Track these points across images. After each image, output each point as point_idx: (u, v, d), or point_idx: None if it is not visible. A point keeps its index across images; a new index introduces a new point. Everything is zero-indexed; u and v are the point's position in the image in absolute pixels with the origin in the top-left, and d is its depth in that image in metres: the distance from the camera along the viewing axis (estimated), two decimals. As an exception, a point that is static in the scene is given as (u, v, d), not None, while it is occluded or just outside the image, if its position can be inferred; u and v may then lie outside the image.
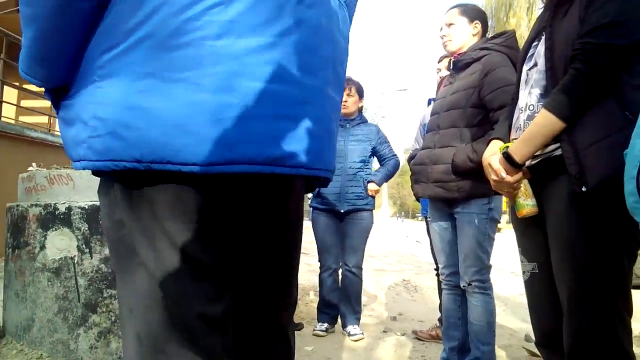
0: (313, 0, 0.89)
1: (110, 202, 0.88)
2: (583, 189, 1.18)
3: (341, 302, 3.29)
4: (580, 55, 1.24)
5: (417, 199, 3.20)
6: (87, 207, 2.37)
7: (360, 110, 3.43)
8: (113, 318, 2.30)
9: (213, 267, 0.86)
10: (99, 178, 0.91)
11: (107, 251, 2.36)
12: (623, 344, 1.20)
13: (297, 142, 0.86)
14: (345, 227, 3.28)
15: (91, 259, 2.34)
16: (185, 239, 0.82)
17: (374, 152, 3.36)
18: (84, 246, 2.35)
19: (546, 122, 1.27)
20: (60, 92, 0.90)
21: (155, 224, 0.82)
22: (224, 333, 0.88)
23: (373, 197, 3.31)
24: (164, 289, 0.82)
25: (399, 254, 9.48)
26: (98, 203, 2.34)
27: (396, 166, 3.38)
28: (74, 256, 2.35)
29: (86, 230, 2.35)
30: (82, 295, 2.32)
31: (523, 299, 4.59)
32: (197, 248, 0.84)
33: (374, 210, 3.36)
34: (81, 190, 2.46)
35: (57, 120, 0.90)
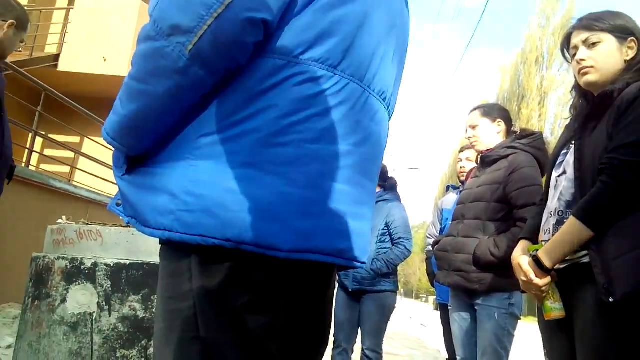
0: (380, 118, 1.04)
1: (179, 271, 0.90)
2: (610, 300, 1.22)
3: None
4: (607, 169, 1.32)
5: (432, 284, 3.21)
6: (112, 264, 2.41)
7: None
8: (122, 379, 2.27)
9: (275, 353, 0.89)
10: (164, 245, 0.93)
11: (125, 310, 2.37)
12: None
13: (353, 238, 0.96)
14: (362, 306, 3.24)
15: (109, 316, 2.35)
16: (254, 321, 0.87)
17: (387, 228, 3.33)
18: (104, 303, 2.36)
19: (575, 230, 1.34)
20: (136, 159, 0.94)
21: (227, 300, 0.86)
22: None
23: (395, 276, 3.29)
24: None
25: (404, 337, 9.21)
26: (123, 261, 2.42)
27: (402, 255, 3.23)
28: (93, 312, 2.36)
29: (109, 288, 2.37)
30: (96, 353, 2.31)
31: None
32: (265, 332, 0.88)
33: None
34: (109, 247, 2.52)
35: (117, 180, 0.96)
